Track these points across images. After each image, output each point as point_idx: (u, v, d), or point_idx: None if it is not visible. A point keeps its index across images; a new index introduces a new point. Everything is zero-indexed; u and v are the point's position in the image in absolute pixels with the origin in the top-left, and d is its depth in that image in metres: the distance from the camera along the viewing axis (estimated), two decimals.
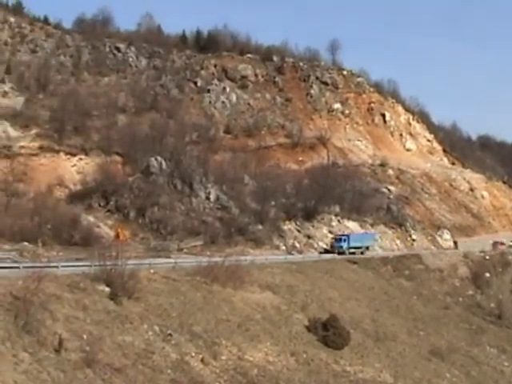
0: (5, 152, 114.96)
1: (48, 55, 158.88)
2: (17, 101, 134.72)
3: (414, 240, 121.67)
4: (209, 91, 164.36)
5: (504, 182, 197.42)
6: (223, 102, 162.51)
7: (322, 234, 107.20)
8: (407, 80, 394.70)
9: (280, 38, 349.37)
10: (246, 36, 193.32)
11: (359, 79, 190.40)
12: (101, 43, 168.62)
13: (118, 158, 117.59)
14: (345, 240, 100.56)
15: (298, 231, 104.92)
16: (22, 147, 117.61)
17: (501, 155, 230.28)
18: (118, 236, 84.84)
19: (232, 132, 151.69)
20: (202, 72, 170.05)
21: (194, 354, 43.48)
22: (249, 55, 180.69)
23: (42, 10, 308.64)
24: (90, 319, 40.86)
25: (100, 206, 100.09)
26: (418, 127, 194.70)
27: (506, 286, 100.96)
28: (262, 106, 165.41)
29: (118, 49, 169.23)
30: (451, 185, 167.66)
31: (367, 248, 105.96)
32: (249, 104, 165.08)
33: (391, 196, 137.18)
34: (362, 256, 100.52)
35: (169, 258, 72.89)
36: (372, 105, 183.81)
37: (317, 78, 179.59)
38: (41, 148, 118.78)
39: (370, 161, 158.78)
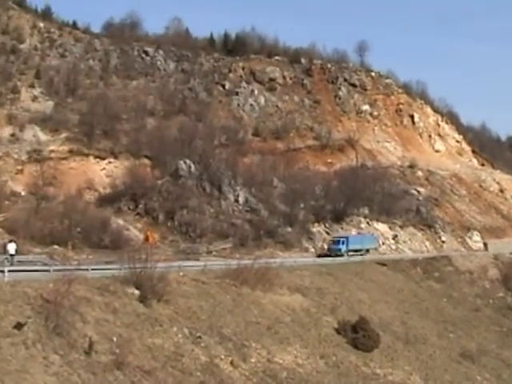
0: (35, 156, 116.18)
1: (77, 59, 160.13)
2: (46, 105, 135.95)
3: (443, 242, 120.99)
4: (237, 94, 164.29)
5: None
6: (251, 105, 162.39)
7: None
8: (436, 81, 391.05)
9: (308, 40, 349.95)
10: (273, 38, 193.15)
11: (387, 80, 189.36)
12: (129, 47, 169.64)
13: (146, 161, 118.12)
14: (343, 242, 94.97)
15: (327, 233, 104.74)
16: (52, 151, 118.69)
17: None
18: (147, 239, 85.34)
19: (260, 134, 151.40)
20: (230, 75, 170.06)
21: (223, 357, 43.47)
22: (277, 57, 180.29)
23: (71, 15, 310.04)
24: (119, 322, 40.99)
25: (129, 209, 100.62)
26: (446, 128, 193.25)
27: None
28: (291, 109, 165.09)
29: (146, 52, 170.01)
30: (481, 186, 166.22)
31: (367, 251, 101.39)
32: (277, 106, 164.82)
33: (420, 198, 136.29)
34: (391, 257, 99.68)
35: (198, 260, 73.08)
36: (400, 106, 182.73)
37: (345, 79, 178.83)
38: (70, 152, 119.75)
39: (398, 162, 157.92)
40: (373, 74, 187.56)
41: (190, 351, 41.92)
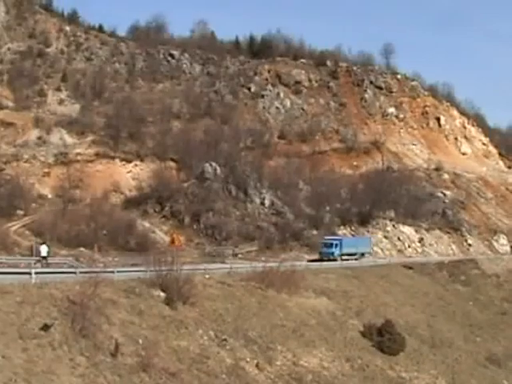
0: (61, 159, 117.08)
1: (103, 63, 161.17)
2: (73, 108, 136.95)
3: (469, 245, 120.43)
4: (263, 97, 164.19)
5: None
6: (277, 108, 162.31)
7: (377, 239, 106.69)
8: (462, 82, 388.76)
9: (333, 43, 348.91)
10: (299, 41, 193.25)
11: (413, 83, 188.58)
12: (155, 50, 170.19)
13: (172, 164, 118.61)
14: (336, 245, 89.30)
15: (353, 236, 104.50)
16: (78, 154, 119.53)
17: None
18: (173, 241, 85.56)
19: (286, 137, 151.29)
20: (256, 78, 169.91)
21: (248, 359, 43.38)
22: (302, 60, 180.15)
23: (97, 19, 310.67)
24: (145, 324, 41.02)
25: (155, 211, 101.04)
26: (473, 131, 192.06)
27: None
28: (316, 111, 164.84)
29: (172, 55, 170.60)
30: (507, 189, 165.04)
31: (363, 254, 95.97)
32: (303, 109, 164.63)
33: (446, 200, 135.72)
34: (417, 260, 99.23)
35: (224, 263, 73.13)
36: (426, 108, 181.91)
37: (371, 82, 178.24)
38: (96, 155, 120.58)
39: (424, 165, 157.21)
40: (398, 76, 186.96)
41: (215, 354, 41.89)
